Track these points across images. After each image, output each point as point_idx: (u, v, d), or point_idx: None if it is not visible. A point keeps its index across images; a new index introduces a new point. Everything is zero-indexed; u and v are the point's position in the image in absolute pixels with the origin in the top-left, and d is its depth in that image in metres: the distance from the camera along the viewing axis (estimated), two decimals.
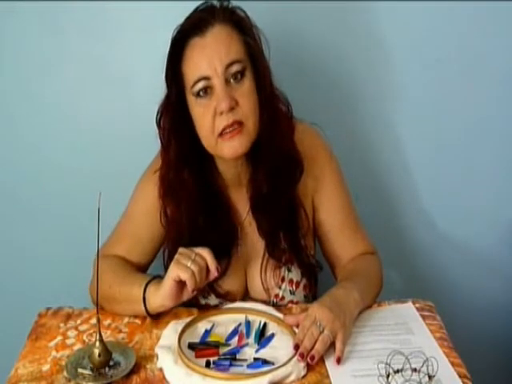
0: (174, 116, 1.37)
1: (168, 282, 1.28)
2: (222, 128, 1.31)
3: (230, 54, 1.30)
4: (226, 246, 1.43)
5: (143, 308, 1.33)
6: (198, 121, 1.35)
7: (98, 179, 1.68)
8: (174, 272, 1.27)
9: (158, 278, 1.35)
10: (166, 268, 1.33)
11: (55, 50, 1.67)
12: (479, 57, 1.72)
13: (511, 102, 1.77)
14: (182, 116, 1.36)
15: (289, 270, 1.46)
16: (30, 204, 1.78)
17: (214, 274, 1.30)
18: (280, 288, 1.46)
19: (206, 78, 1.30)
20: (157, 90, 1.68)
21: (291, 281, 1.46)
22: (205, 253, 1.30)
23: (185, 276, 1.26)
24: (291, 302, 1.47)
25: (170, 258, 1.35)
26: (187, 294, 1.31)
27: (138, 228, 1.47)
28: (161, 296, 1.30)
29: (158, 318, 1.37)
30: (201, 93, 1.32)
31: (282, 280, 1.46)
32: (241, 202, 1.46)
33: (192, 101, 1.34)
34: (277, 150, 1.38)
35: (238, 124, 1.31)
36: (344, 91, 1.74)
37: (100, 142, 1.73)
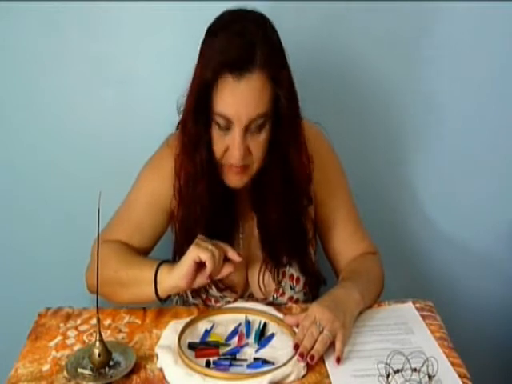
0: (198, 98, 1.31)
1: (187, 262, 1.27)
2: (230, 164, 1.32)
3: (257, 109, 1.27)
4: (226, 236, 1.42)
5: (153, 289, 1.32)
6: (213, 137, 1.33)
7: (98, 179, 1.68)
8: (195, 252, 1.27)
9: (169, 261, 1.35)
10: (174, 256, 1.34)
11: (55, 49, 1.66)
12: (472, 54, 1.73)
13: (511, 101, 1.77)
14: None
15: (290, 265, 1.46)
16: (30, 204, 1.77)
17: (237, 258, 1.31)
18: (280, 283, 1.46)
19: (229, 120, 1.28)
20: (156, 89, 1.69)
21: (291, 276, 1.47)
22: (223, 244, 1.31)
23: (205, 256, 1.25)
24: (291, 298, 1.47)
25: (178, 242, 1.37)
26: (201, 279, 1.30)
27: (139, 215, 1.45)
28: (176, 276, 1.29)
29: (166, 303, 1.37)
30: (220, 125, 1.30)
31: (283, 275, 1.46)
32: (244, 194, 1.44)
33: (213, 120, 1.31)
34: (283, 178, 1.37)
35: (245, 166, 1.33)
36: (345, 91, 1.74)
37: (100, 141, 1.73)
